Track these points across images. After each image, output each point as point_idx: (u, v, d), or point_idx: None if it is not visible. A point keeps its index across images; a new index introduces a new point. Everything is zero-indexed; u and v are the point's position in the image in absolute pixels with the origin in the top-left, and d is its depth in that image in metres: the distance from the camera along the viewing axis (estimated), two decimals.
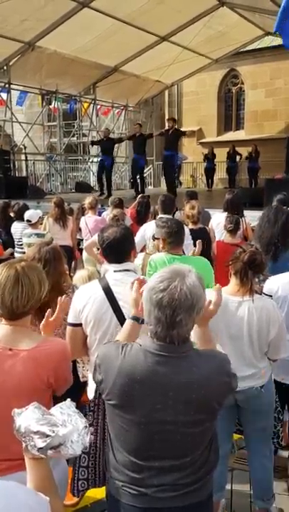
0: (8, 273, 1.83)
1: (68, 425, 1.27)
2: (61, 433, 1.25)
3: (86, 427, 1.31)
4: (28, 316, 1.92)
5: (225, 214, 5.44)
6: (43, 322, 2.24)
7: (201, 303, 1.60)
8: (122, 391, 1.60)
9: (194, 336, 2.41)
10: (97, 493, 2.76)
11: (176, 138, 12.44)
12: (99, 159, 13.72)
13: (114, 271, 2.47)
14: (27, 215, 6.33)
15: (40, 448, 1.24)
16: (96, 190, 13.92)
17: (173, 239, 3.36)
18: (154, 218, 5.57)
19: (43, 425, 1.25)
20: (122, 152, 18.75)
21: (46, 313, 2.25)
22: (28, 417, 1.27)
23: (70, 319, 2.46)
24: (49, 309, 2.26)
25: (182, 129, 14.72)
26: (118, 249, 2.50)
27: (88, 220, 6.73)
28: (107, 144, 12.87)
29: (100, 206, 7.66)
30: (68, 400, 1.38)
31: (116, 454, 1.71)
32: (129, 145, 15.47)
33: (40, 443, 1.23)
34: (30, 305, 1.85)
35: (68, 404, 1.35)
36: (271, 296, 2.94)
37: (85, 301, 2.40)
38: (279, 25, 6.88)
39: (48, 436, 1.24)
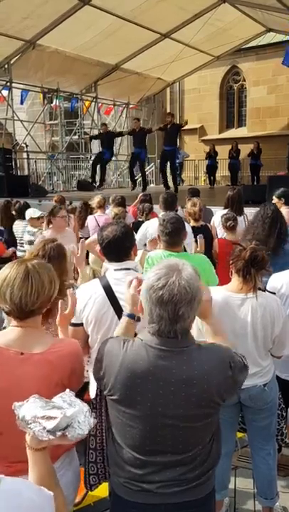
0: (18, 269, 1.82)
1: (74, 407, 1.31)
2: (68, 413, 1.28)
3: (89, 409, 1.34)
4: (39, 317, 1.88)
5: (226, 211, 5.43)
6: (58, 316, 2.21)
7: (200, 294, 1.59)
8: (123, 386, 1.60)
9: (197, 332, 2.41)
10: (101, 491, 2.74)
11: (176, 132, 12.55)
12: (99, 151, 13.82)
13: (115, 270, 2.45)
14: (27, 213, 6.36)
15: (49, 430, 1.26)
16: (94, 183, 13.96)
17: (167, 238, 3.30)
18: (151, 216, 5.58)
19: (49, 409, 1.28)
20: (124, 150, 18.72)
21: (59, 306, 2.20)
22: (31, 407, 1.29)
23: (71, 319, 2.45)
24: (61, 301, 2.21)
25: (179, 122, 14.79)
26: (118, 247, 2.47)
27: (99, 219, 6.74)
28: (107, 137, 12.96)
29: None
30: (67, 389, 1.39)
31: (118, 450, 1.70)
32: (130, 142, 15.48)
33: (49, 425, 1.25)
34: (39, 303, 1.81)
35: (68, 394, 1.37)
36: (275, 293, 2.92)
37: (85, 300, 2.39)
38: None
39: (55, 418, 1.26)
